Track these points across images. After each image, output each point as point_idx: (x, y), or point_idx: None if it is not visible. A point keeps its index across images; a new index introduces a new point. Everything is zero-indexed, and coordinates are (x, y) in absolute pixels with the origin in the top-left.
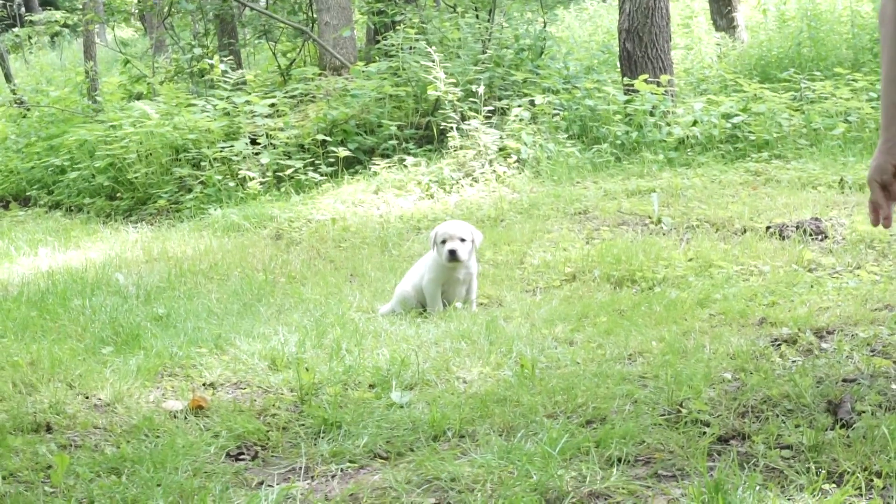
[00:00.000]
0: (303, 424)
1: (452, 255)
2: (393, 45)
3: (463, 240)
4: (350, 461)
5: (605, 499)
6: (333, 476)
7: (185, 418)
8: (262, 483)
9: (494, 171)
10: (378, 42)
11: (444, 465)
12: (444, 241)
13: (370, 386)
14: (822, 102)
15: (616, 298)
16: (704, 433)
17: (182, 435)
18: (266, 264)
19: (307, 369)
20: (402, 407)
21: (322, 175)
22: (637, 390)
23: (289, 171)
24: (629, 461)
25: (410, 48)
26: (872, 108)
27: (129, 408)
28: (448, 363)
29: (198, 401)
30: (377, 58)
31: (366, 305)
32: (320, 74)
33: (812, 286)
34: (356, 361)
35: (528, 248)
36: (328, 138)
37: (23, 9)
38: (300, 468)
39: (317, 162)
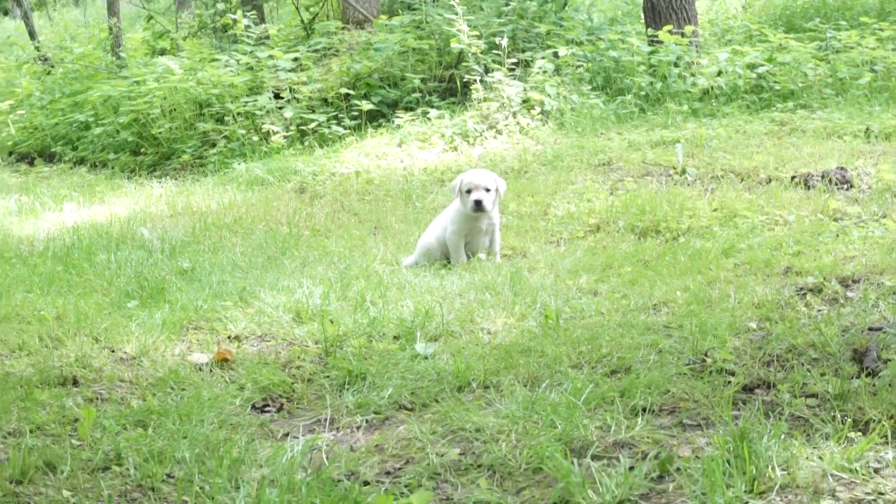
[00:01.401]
0: (327, 376)
1: (478, 205)
2: None
3: (488, 189)
4: (375, 412)
5: (630, 448)
6: (358, 427)
7: (211, 371)
8: (287, 435)
9: (518, 123)
10: None
11: (469, 416)
12: (468, 191)
13: (395, 337)
14: (848, 52)
15: (640, 249)
16: (729, 382)
17: (207, 387)
18: (290, 218)
19: (332, 321)
20: (426, 358)
21: (345, 129)
22: (661, 340)
23: (312, 125)
24: (654, 411)
25: (434, 1)
26: None
27: (154, 361)
28: (472, 314)
29: (223, 353)
30: (400, 11)
31: (390, 258)
32: (343, 28)
33: (837, 235)
34: (380, 313)
35: (552, 199)
36: (351, 92)
37: None
38: (325, 420)
39: (340, 115)
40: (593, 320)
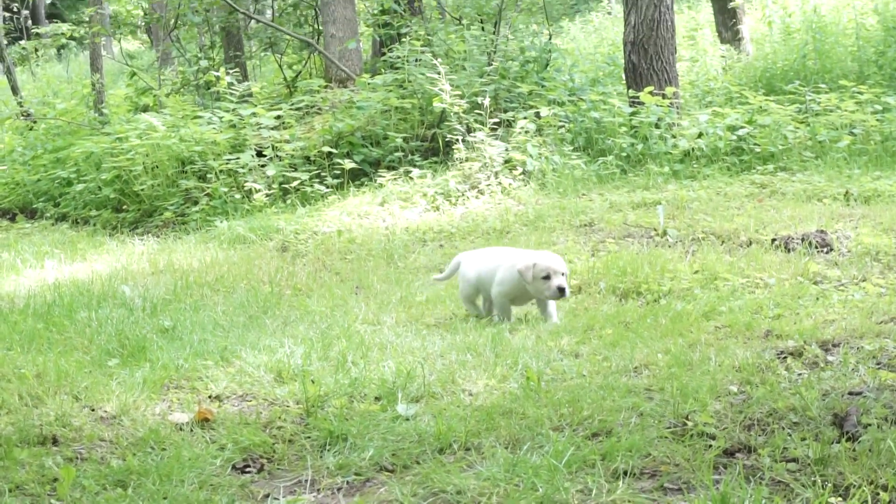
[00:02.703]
0: (308, 437)
1: (562, 292)
2: (398, 58)
3: (563, 273)
4: (356, 474)
5: None
6: (339, 489)
7: (191, 431)
8: (267, 496)
9: (500, 183)
10: (384, 54)
11: (450, 478)
12: (546, 276)
13: (376, 398)
14: (828, 115)
15: (622, 310)
16: (710, 446)
17: (188, 447)
18: (272, 276)
19: (313, 381)
20: (407, 419)
21: (328, 187)
22: (643, 403)
23: (295, 184)
24: (635, 474)
25: (416, 60)
26: (878, 120)
27: (135, 420)
28: (454, 375)
29: (203, 413)
30: (383, 70)
31: (372, 317)
32: (326, 86)
33: (818, 298)
34: (362, 374)
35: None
36: (334, 150)
37: (29, 21)
38: (306, 481)
39: (322, 174)
40: (575, 382)
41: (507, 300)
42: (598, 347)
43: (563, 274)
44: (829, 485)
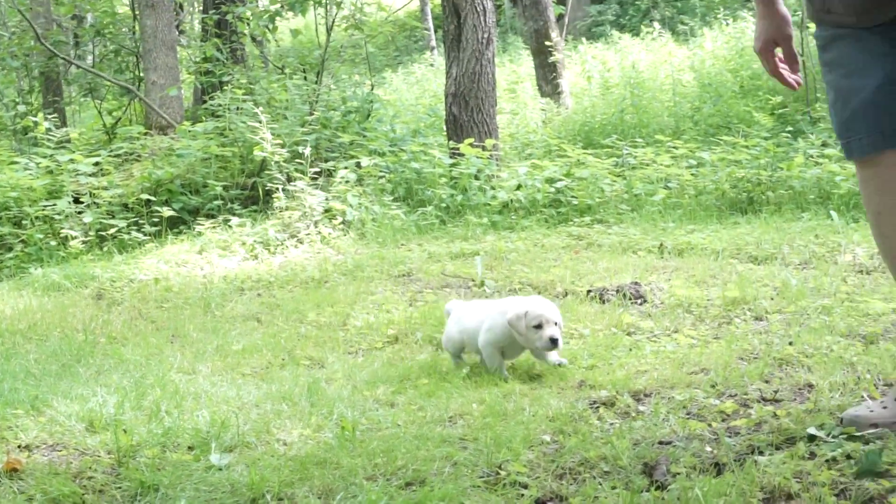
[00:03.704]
0: (119, 487)
1: (555, 343)
2: (220, 106)
3: (557, 323)
4: None
5: None
6: None
7: None
8: None
9: (319, 232)
10: (205, 102)
11: None
12: (538, 325)
13: (189, 448)
14: (644, 168)
15: (438, 361)
16: (523, 495)
17: None
18: (86, 324)
19: (125, 431)
20: (220, 469)
21: (146, 235)
22: (457, 452)
23: (112, 231)
24: None
25: (237, 109)
26: (692, 174)
27: None
28: (268, 425)
29: (12, 463)
30: (204, 118)
31: (187, 366)
32: (146, 133)
33: (631, 349)
34: (175, 423)
35: (352, 309)
36: (153, 198)
37: None
38: None
39: (140, 221)
40: (389, 432)
41: (497, 351)
42: (413, 397)
43: (556, 323)
44: None
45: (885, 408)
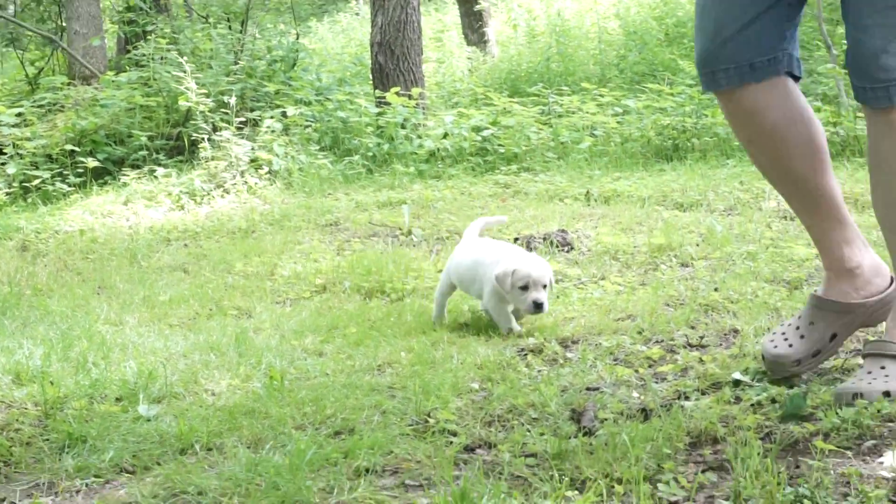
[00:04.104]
0: (47, 439)
1: (538, 308)
2: (144, 55)
3: (546, 285)
4: (95, 476)
5: None
6: (78, 491)
7: None
8: (3, 500)
9: (246, 182)
10: (129, 52)
11: (191, 478)
12: (524, 287)
13: (117, 399)
14: (570, 116)
15: (366, 309)
16: (451, 442)
17: None
18: (11, 276)
19: (52, 383)
20: (149, 420)
21: (70, 186)
22: (386, 401)
23: (36, 182)
24: (377, 471)
25: (161, 58)
26: (618, 122)
27: None
28: (196, 375)
29: None
30: (128, 68)
31: (114, 318)
32: (69, 84)
33: (558, 297)
34: (103, 374)
35: (279, 259)
36: (77, 149)
37: None
38: (44, 484)
39: (65, 172)
40: (318, 381)
41: (503, 306)
42: (342, 346)
43: (544, 286)
44: (567, 479)
45: (802, 337)
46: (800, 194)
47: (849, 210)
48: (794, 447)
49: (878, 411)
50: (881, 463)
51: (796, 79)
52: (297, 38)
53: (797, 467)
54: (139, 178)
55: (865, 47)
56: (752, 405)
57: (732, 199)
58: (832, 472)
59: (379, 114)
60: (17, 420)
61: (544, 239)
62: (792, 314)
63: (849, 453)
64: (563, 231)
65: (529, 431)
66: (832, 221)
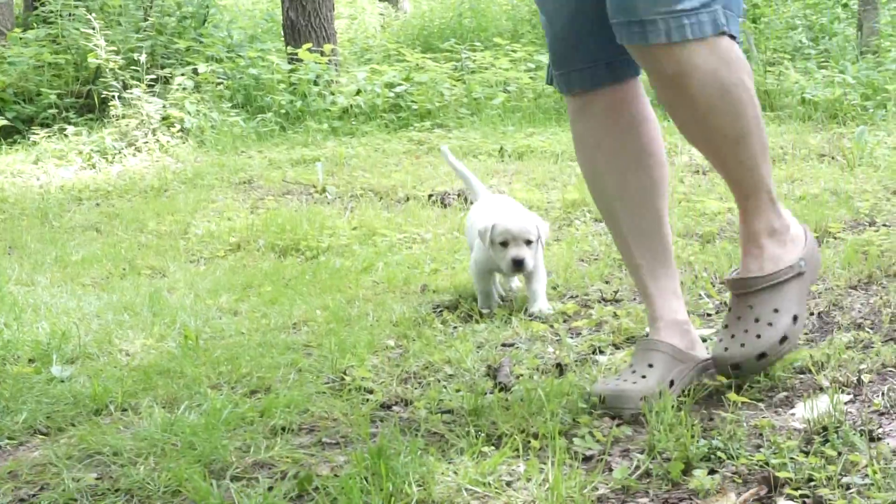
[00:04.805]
0: None
1: (518, 266)
2: (52, 12)
3: (529, 242)
4: (9, 438)
5: (270, 468)
6: None
7: None
8: None
9: (158, 140)
10: (36, 8)
11: (106, 439)
12: (503, 243)
13: (30, 360)
14: (483, 72)
15: (281, 267)
16: (368, 400)
17: None
18: None
19: None
20: (62, 381)
21: None
22: (301, 359)
23: None
24: (294, 430)
25: (70, 15)
26: (531, 78)
27: None
28: (110, 336)
29: None
30: (35, 25)
31: (25, 278)
32: None
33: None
34: (15, 336)
35: (193, 218)
36: None
37: None
38: None
39: None
40: (233, 340)
41: (486, 274)
42: (257, 305)
43: (527, 242)
44: (483, 434)
45: (644, 377)
46: (641, 221)
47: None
48: (708, 400)
49: (791, 364)
50: (793, 414)
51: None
52: None
53: (710, 420)
54: (49, 136)
55: None
56: None
57: None
58: (745, 424)
59: (291, 70)
60: None
61: (458, 195)
62: (705, 268)
63: (761, 405)
64: None
65: (445, 388)
66: (662, 263)
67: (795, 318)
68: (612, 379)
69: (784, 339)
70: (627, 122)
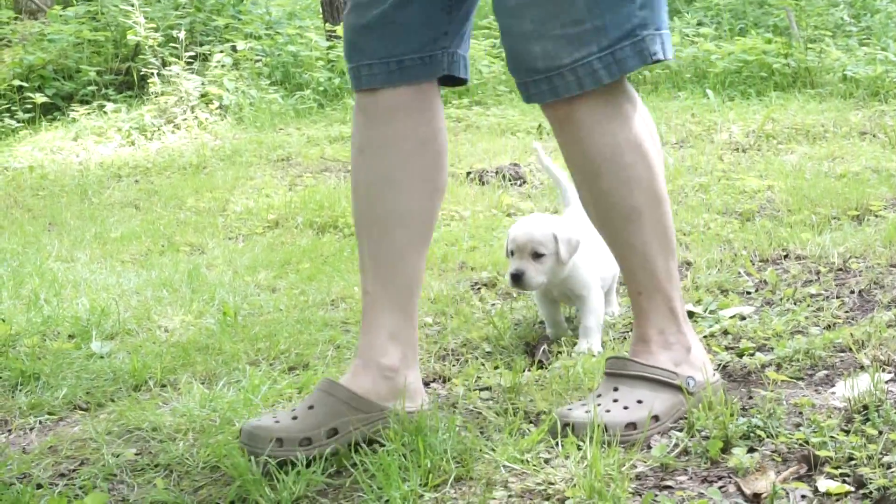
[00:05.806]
0: (0, 377)
1: (516, 281)
2: None
3: (539, 255)
4: (49, 413)
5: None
6: (32, 429)
7: None
8: None
9: (196, 117)
10: None
11: (146, 415)
12: (511, 254)
13: (70, 336)
14: None
15: (319, 244)
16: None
17: None
18: None
19: (3, 320)
20: (102, 357)
21: (19, 122)
22: (339, 336)
23: None
24: None
25: None
26: None
27: None
28: (149, 312)
29: None
30: (75, 2)
31: (65, 254)
32: (16, 18)
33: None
34: (55, 312)
35: (231, 195)
36: (25, 84)
37: None
38: None
39: (13, 108)
40: (272, 317)
41: (541, 294)
42: (295, 282)
43: (535, 255)
44: (521, 412)
45: (294, 418)
46: (391, 248)
47: (800, 142)
48: (747, 378)
49: (831, 342)
50: (833, 393)
51: (462, 82)
52: None
53: (750, 398)
54: (88, 113)
55: (517, 34)
56: (705, 336)
57: (684, 131)
58: (785, 402)
59: (329, 47)
60: None
61: (496, 172)
62: (744, 246)
63: (801, 384)
64: (515, 164)
65: (484, 365)
66: (393, 301)
67: (657, 419)
68: (266, 415)
69: (631, 425)
70: (421, 133)
